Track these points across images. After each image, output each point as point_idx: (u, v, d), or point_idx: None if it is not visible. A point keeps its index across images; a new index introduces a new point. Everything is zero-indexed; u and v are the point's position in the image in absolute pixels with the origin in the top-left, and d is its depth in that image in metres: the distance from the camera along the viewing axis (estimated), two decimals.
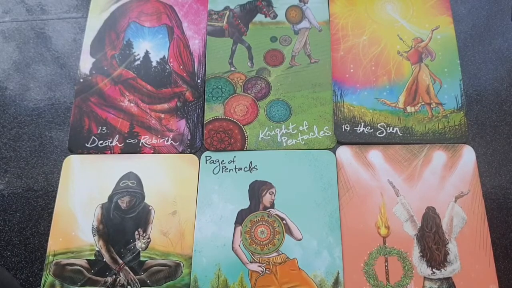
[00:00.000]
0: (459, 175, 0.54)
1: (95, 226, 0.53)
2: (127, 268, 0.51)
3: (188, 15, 0.59)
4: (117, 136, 0.53)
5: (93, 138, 0.51)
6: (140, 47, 0.58)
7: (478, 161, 0.55)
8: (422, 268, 0.51)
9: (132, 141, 0.52)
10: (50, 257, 0.52)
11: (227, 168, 0.56)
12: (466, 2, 0.64)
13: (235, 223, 0.53)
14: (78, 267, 0.52)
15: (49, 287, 0.51)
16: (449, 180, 0.54)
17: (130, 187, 0.55)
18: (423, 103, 0.58)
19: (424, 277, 0.50)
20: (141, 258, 0.52)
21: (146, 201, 0.54)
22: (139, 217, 0.54)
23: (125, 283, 0.51)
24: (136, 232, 0.53)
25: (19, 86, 0.59)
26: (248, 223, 0.53)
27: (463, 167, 0.55)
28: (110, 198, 0.54)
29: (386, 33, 0.62)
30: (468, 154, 0.55)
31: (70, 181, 0.54)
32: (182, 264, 0.51)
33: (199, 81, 0.57)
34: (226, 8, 0.64)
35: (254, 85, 0.60)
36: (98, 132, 0.51)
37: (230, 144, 0.57)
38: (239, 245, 0.52)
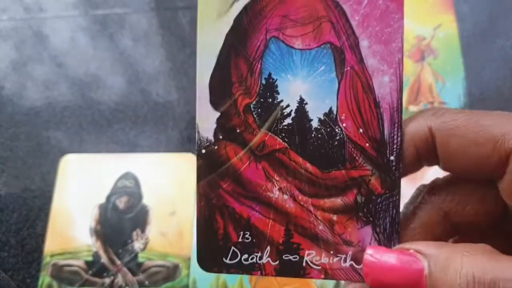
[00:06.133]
0: None
1: (93, 226, 0.52)
2: (125, 269, 0.51)
3: (370, 24, 0.26)
4: (268, 248, 0.27)
5: (233, 250, 0.26)
6: (290, 90, 0.28)
7: None
8: None
9: (291, 257, 0.26)
10: (48, 258, 0.51)
11: None
12: (468, 0, 0.63)
13: None
14: (76, 268, 0.51)
15: None
16: None
17: (128, 187, 0.54)
18: (425, 102, 0.57)
19: None
20: (139, 259, 0.51)
21: (144, 201, 0.54)
22: (137, 217, 0.53)
23: (123, 284, 0.50)
24: (134, 233, 0.52)
25: (16, 85, 0.58)
26: None
27: None
28: (108, 198, 0.54)
29: None
30: None
31: (67, 181, 0.54)
32: (180, 265, 0.51)
33: (392, 157, 0.29)
34: None
35: None
36: (239, 240, 0.26)
37: None
38: None
